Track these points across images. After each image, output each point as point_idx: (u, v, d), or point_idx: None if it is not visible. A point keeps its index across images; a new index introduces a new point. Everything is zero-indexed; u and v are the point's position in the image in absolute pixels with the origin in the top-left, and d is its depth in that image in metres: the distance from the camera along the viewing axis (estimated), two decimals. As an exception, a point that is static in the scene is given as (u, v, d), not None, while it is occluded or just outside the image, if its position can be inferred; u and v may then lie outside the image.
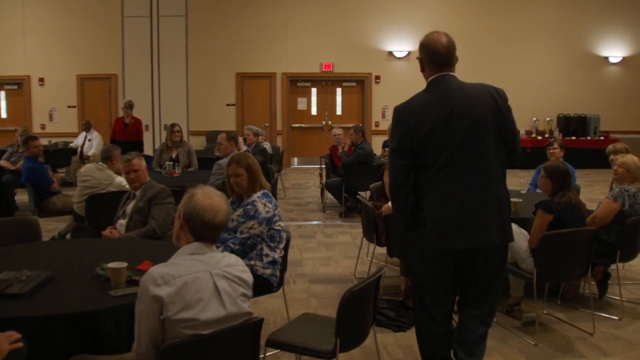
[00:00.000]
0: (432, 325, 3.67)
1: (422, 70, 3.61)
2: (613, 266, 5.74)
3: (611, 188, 6.39)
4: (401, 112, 3.53)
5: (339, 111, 16.75)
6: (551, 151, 7.46)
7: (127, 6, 14.31)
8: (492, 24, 16.03)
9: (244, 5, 15.88)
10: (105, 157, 7.05)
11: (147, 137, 13.28)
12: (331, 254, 7.56)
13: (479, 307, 3.67)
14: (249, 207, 4.51)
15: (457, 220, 3.45)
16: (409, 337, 4.96)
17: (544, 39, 16.40)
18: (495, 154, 3.49)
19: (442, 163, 3.42)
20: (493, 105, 3.49)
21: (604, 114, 16.24)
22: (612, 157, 6.74)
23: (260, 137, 11.48)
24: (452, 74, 3.56)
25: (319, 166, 11.83)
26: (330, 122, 16.47)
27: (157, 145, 11.39)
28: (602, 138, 15.91)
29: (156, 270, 2.61)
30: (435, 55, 3.53)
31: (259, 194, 4.59)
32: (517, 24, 16.23)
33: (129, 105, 11.52)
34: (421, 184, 3.49)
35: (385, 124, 14.80)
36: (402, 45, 16.19)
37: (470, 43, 15.44)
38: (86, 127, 13.30)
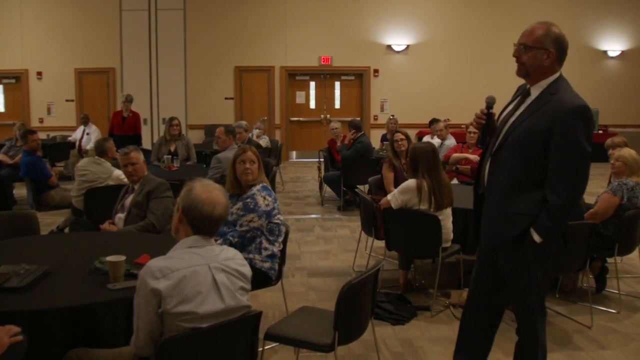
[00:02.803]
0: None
1: (550, 63, 3.32)
2: (611, 260, 5.75)
3: (609, 182, 6.40)
4: (590, 111, 3.30)
5: (337, 105, 16.73)
6: None
7: (125, 0, 14.29)
8: (490, 17, 15.99)
9: (242, -1, 15.87)
10: (100, 152, 7.06)
11: (145, 131, 13.29)
12: (330, 248, 7.56)
13: None
14: (248, 200, 4.51)
15: None
16: (407, 330, 4.98)
17: (542, 33, 16.35)
18: None
19: None
20: None
21: (603, 107, 16.19)
22: (610, 151, 6.73)
23: (258, 131, 11.52)
24: None
25: (317, 160, 11.82)
26: (328, 115, 16.44)
27: (156, 139, 11.39)
28: (600, 132, 15.90)
29: (155, 263, 2.61)
30: (566, 53, 3.37)
31: (258, 187, 4.60)
32: (515, 18, 16.12)
33: (130, 99, 11.49)
34: None
35: (384, 117, 14.78)
36: (401, 38, 16.16)
37: (468, 37, 15.44)
38: (84, 121, 13.25)
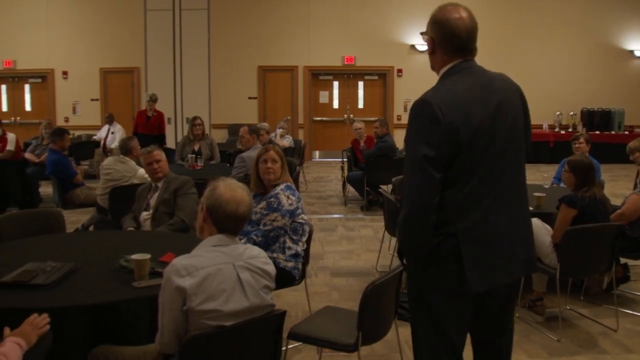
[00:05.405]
0: None
1: (432, 52, 2.77)
2: (637, 262, 5.69)
3: (636, 183, 6.33)
4: (439, 106, 2.54)
5: (360, 105, 16.71)
6: (577, 145, 7.36)
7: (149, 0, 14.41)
8: (515, 16, 15.89)
9: (265, -1, 15.92)
10: (125, 151, 7.12)
11: (169, 130, 13.36)
12: (353, 248, 7.55)
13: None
14: (272, 199, 4.52)
15: (503, 249, 2.69)
16: (431, 331, 4.95)
17: (567, 32, 16.22)
18: (523, 163, 2.83)
19: (482, 175, 2.62)
20: (522, 104, 2.80)
21: (629, 108, 16.02)
22: (636, 154, 6.63)
23: (282, 130, 11.55)
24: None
25: (340, 159, 11.82)
26: (352, 115, 16.43)
27: (180, 139, 11.45)
28: (626, 133, 15.71)
29: (179, 261, 2.62)
30: (452, 37, 2.67)
31: (282, 186, 4.60)
32: (540, 17, 16.07)
33: (154, 99, 11.57)
34: (447, 204, 2.59)
35: (407, 117, 14.75)
36: (425, 38, 16.09)
37: (493, 36, 15.32)
38: (109, 120, 13.40)
